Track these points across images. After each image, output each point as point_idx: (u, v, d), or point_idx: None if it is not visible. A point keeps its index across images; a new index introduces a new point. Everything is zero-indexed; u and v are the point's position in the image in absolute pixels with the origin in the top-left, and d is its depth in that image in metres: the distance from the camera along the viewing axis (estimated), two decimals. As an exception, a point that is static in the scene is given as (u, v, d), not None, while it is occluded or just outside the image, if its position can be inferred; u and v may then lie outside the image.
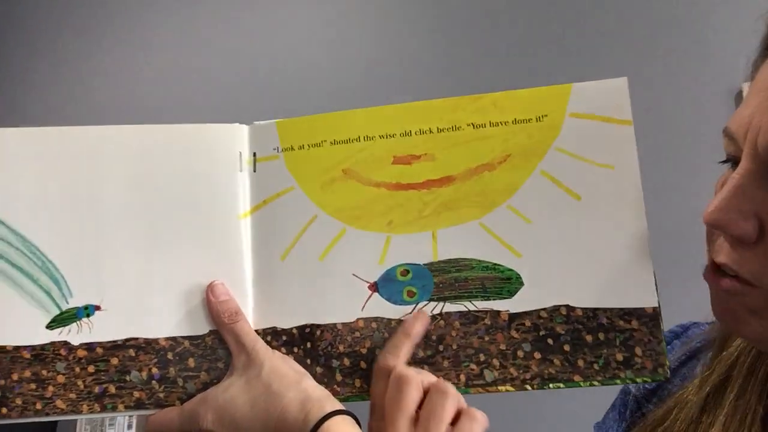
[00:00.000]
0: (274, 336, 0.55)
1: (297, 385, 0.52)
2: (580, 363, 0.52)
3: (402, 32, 1.61)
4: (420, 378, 0.50)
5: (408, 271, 0.55)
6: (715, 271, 0.44)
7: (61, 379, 0.54)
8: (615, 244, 0.54)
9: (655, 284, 0.53)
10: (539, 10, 1.51)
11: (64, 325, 0.55)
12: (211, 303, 0.55)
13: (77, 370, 0.54)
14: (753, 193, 0.40)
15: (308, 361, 0.55)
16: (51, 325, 0.55)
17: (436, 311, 0.54)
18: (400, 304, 0.55)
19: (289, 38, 1.71)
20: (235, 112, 1.68)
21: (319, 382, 0.54)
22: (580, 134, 0.55)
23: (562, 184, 0.55)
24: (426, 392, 0.50)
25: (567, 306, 0.53)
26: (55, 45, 1.85)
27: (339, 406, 0.51)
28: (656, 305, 0.53)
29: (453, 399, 0.49)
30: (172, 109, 1.73)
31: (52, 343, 0.55)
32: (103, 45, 1.83)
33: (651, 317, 0.52)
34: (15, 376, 0.54)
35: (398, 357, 0.52)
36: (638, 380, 0.52)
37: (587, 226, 0.54)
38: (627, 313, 0.53)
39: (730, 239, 0.42)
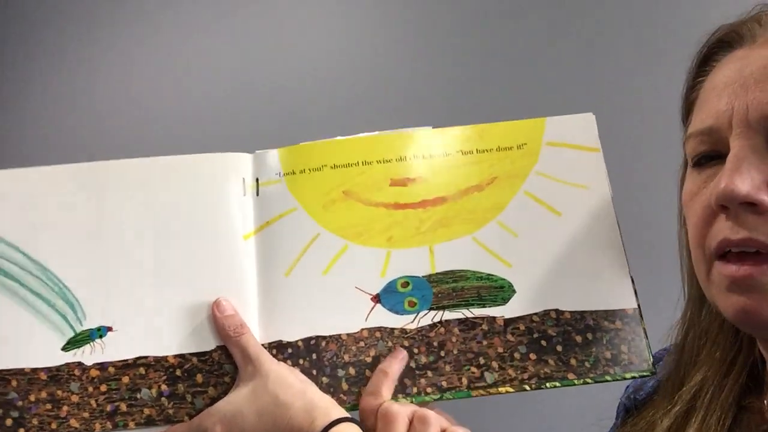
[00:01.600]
0: (279, 349, 0.58)
1: (303, 394, 0.54)
2: (573, 362, 0.56)
3: (397, 48, 1.65)
4: (404, 411, 0.53)
5: (408, 283, 0.59)
6: (732, 261, 0.45)
7: (75, 398, 0.56)
8: (594, 253, 0.60)
9: (634, 287, 0.58)
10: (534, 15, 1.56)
11: (79, 347, 0.57)
12: (216, 318, 0.57)
13: (90, 389, 0.56)
14: (758, 163, 0.43)
15: (314, 371, 0.57)
16: (66, 347, 0.57)
17: (437, 319, 0.58)
18: (402, 314, 0.58)
19: (287, 48, 1.74)
20: (234, 115, 1.71)
21: (325, 391, 0.56)
22: (557, 160, 0.62)
23: (543, 202, 0.61)
24: (411, 422, 0.52)
25: (556, 310, 0.58)
26: (56, 52, 1.86)
27: (344, 413, 0.53)
28: (636, 306, 0.58)
29: (435, 425, 0.52)
30: (172, 113, 1.74)
31: (67, 364, 0.56)
32: (102, 52, 1.84)
33: (632, 317, 0.57)
34: (32, 397, 0.55)
35: (381, 396, 0.55)
36: (627, 376, 0.56)
37: (568, 238, 0.60)
38: (610, 315, 0.57)
39: (743, 213, 0.43)
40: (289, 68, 1.73)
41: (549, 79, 1.48)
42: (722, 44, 0.50)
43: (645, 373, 0.56)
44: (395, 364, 0.57)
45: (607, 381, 0.56)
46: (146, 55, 1.84)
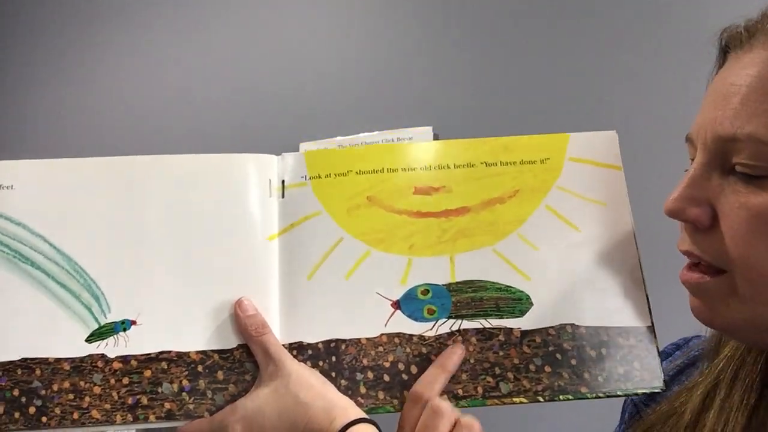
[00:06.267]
0: (300, 350, 0.59)
1: (323, 395, 0.55)
2: (586, 376, 0.58)
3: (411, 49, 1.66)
4: (453, 412, 0.54)
5: (428, 291, 0.60)
6: (688, 268, 0.48)
7: (97, 390, 0.57)
8: (611, 269, 0.61)
9: (648, 305, 0.59)
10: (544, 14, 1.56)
11: (102, 339, 0.58)
12: (239, 317, 0.59)
13: (112, 381, 0.57)
14: (705, 182, 0.46)
15: (333, 374, 0.58)
16: (90, 339, 0.58)
17: (455, 328, 0.59)
18: (421, 321, 0.59)
19: (291, 50, 1.74)
20: (235, 115, 1.71)
21: (344, 394, 0.57)
22: (578, 176, 0.63)
23: (564, 217, 0.62)
24: (456, 424, 0.54)
25: (572, 324, 0.59)
26: (61, 52, 1.87)
27: (363, 414, 0.54)
28: (650, 324, 0.59)
29: None
30: (172, 115, 1.76)
31: (90, 356, 0.57)
32: (107, 49, 1.85)
33: (645, 334, 0.59)
34: (55, 387, 0.56)
35: (434, 389, 0.56)
36: (639, 392, 0.57)
37: (586, 253, 0.61)
38: (624, 331, 0.59)
39: (689, 228, 0.47)
40: (289, 69, 1.74)
41: (560, 89, 1.49)
42: (728, 44, 0.49)
43: (656, 389, 0.57)
44: (453, 359, 0.58)
45: (618, 396, 0.58)
46: (149, 58, 1.85)
